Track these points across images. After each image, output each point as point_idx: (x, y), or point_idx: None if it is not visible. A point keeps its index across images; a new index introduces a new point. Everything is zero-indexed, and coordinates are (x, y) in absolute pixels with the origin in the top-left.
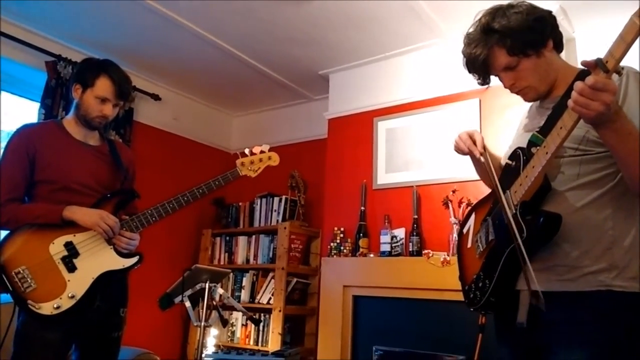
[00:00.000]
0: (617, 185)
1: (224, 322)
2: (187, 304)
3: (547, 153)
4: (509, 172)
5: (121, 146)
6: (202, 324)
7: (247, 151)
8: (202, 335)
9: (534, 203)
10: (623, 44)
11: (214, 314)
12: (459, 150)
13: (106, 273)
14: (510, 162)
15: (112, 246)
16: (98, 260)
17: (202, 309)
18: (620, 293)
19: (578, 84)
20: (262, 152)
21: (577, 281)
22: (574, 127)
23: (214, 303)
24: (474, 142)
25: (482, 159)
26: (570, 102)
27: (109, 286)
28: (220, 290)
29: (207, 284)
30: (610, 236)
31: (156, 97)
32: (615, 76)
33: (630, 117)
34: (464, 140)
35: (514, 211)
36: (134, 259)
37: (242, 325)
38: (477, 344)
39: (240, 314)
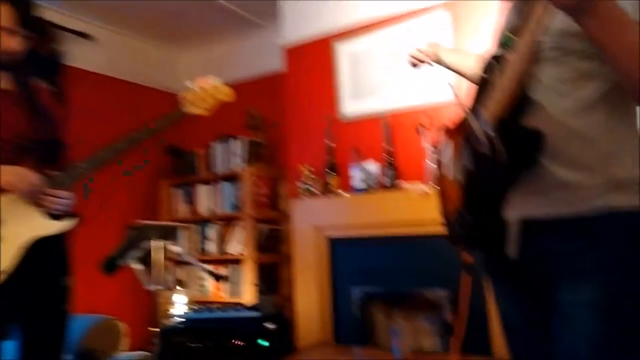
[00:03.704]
0: (608, 83)
1: (179, 283)
2: (136, 266)
3: (519, 57)
4: (482, 85)
5: (42, 89)
6: (157, 286)
7: (193, 86)
8: (155, 299)
9: (512, 119)
10: None
11: (171, 274)
12: (412, 64)
13: (37, 240)
14: (482, 73)
15: (41, 208)
16: (24, 226)
17: (155, 269)
18: (625, 212)
19: None
20: (211, 85)
21: (572, 204)
22: (545, 19)
23: (168, 262)
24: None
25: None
26: None
27: (45, 254)
28: (174, 247)
29: (157, 242)
30: (606, 146)
31: (87, 37)
32: None
33: None
34: (414, 53)
35: (490, 132)
36: (69, 221)
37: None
38: (463, 286)
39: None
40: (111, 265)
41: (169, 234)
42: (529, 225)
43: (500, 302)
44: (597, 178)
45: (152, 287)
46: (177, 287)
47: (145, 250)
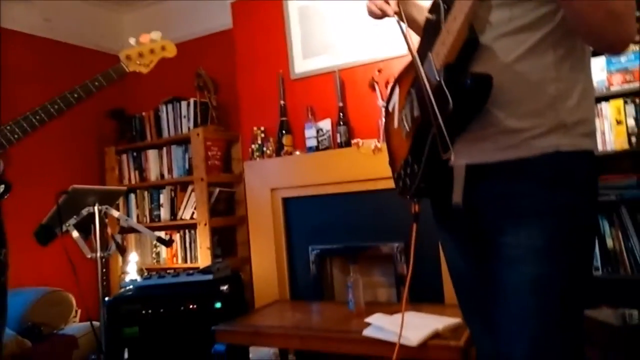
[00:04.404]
0: (559, 27)
1: (122, 250)
2: (75, 233)
3: None
4: (430, 29)
5: None
6: (99, 254)
7: (132, 42)
8: (100, 268)
9: (460, 64)
10: None
11: (115, 240)
12: (371, 14)
13: None
14: (430, 15)
15: None
16: None
17: (96, 237)
18: (570, 153)
19: None
20: (152, 41)
21: (518, 147)
22: None
23: (110, 229)
24: (387, 1)
25: (396, 18)
26: None
27: None
28: (115, 213)
29: (96, 207)
30: (554, 90)
31: None
32: None
33: None
34: (375, 1)
35: (438, 78)
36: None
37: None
38: (412, 236)
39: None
40: (45, 234)
41: (109, 199)
42: (475, 172)
43: (447, 250)
44: (543, 122)
45: (94, 255)
46: (123, 255)
47: (83, 216)
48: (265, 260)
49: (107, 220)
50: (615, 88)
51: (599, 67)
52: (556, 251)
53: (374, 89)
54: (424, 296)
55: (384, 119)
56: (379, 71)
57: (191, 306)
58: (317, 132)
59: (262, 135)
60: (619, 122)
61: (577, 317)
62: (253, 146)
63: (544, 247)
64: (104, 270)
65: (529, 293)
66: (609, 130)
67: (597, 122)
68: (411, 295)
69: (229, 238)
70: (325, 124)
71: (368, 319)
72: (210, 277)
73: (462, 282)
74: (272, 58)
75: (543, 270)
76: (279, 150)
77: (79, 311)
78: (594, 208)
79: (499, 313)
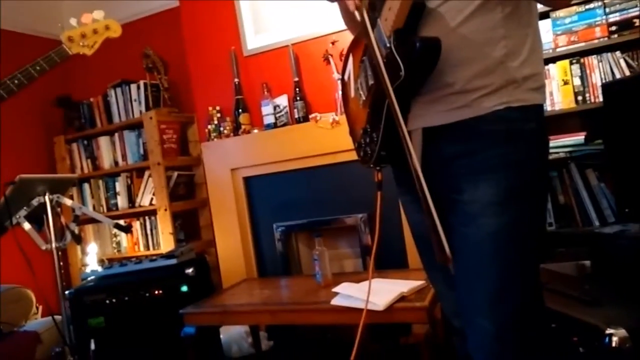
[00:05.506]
0: None
1: (77, 239)
2: (26, 225)
3: None
4: None
5: None
6: (54, 245)
7: (74, 22)
8: (57, 259)
9: (408, 29)
10: None
11: (71, 230)
12: None
13: None
14: None
15: None
16: None
17: (50, 227)
18: (520, 108)
19: None
20: (95, 20)
21: (470, 107)
22: None
23: (64, 218)
24: None
25: (357, 14)
26: None
27: None
28: (67, 201)
29: (46, 197)
30: (503, 47)
31: None
32: None
33: None
34: None
35: (388, 44)
36: None
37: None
38: (377, 204)
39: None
40: None
41: (60, 187)
42: (431, 134)
43: (409, 211)
44: (493, 80)
45: (49, 247)
46: (80, 243)
47: (34, 207)
48: (230, 241)
49: (60, 210)
50: (561, 49)
51: (545, 28)
52: (512, 203)
53: (328, 62)
54: (389, 262)
55: (340, 91)
56: (333, 43)
57: (156, 292)
58: (274, 108)
59: (218, 115)
60: (565, 83)
61: (534, 265)
62: (209, 127)
63: (500, 201)
64: (62, 262)
65: (487, 245)
66: (557, 91)
67: (545, 82)
68: (377, 262)
69: (191, 222)
70: (282, 100)
71: (335, 289)
72: (174, 261)
73: (424, 241)
74: (223, 35)
75: (500, 223)
76: (236, 130)
77: (40, 307)
78: (545, 158)
79: (459, 266)
